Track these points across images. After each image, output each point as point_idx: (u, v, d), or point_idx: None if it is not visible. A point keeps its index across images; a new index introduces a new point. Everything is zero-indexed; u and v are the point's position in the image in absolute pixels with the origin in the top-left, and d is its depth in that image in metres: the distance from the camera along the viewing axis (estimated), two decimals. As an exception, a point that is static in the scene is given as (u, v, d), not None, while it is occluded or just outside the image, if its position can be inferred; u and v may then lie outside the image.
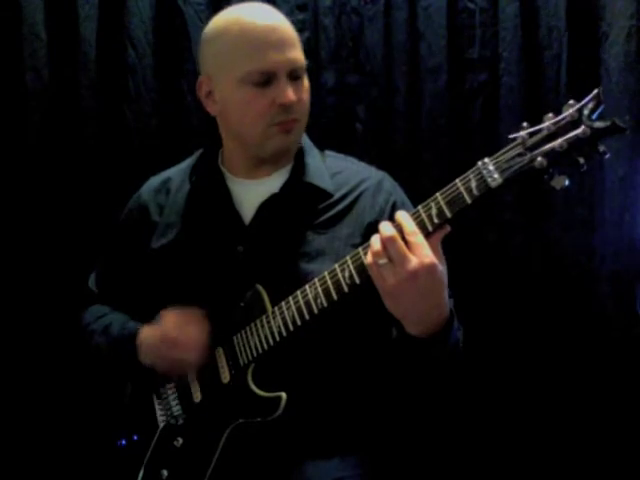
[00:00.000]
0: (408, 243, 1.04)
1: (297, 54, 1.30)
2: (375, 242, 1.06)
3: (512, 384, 1.93)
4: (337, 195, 1.37)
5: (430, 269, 1.03)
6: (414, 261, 1.02)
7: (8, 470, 1.97)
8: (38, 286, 1.99)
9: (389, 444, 1.48)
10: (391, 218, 1.34)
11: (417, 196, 1.44)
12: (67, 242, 1.98)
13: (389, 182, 1.43)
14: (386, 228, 1.06)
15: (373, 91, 2.00)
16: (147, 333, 1.37)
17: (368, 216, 1.35)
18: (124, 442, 1.43)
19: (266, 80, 1.27)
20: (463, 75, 1.97)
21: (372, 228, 1.31)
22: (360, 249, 1.14)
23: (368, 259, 1.07)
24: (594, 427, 1.90)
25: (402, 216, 1.07)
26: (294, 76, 1.30)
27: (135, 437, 1.42)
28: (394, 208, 1.36)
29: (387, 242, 1.04)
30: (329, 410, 1.33)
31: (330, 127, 1.95)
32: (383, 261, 1.04)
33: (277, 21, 1.30)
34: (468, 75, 1.97)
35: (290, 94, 1.27)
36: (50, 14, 1.97)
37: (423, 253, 1.03)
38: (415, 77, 1.98)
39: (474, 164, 1.07)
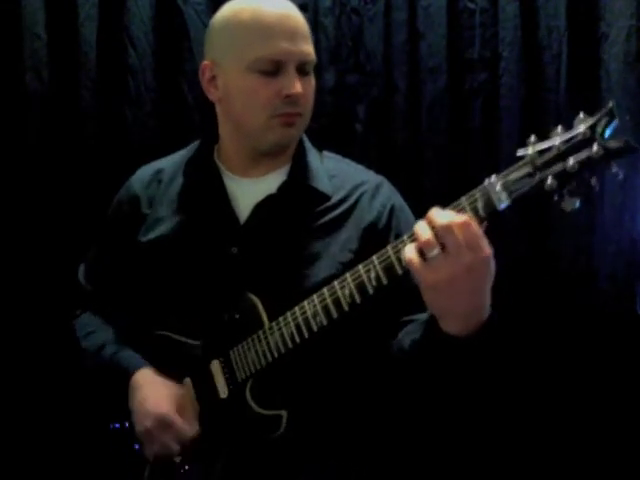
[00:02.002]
0: (462, 233, 0.95)
1: (309, 48, 1.27)
2: (424, 232, 0.97)
3: (512, 384, 1.93)
4: (335, 198, 1.33)
5: (486, 261, 0.97)
6: (471, 253, 0.95)
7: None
8: (38, 283, 1.98)
9: (388, 456, 1.47)
10: (389, 223, 1.32)
11: (417, 196, 1.45)
12: (67, 242, 1.98)
13: (387, 186, 1.39)
14: (440, 216, 0.97)
15: (373, 91, 2.00)
16: (143, 386, 1.31)
17: (365, 220, 1.32)
18: (117, 425, 1.39)
19: (274, 69, 1.23)
20: (463, 75, 1.98)
21: (368, 232, 1.30)
22: (360, 266, 1.11)
23: (411, 252, 0.99)
24: (594, 427, 1.90)
25: (448, 209, 1.00)
26: (303, 71, 1.26)
27: (127, 424, 1.37)
28: (392, 213, 1.34)
29: (444, 230, 0.95)
30: (329, 423, 1.31)
31: (330, 127, 1.95)
32: (435, 252, 0.96)
33: (292, 12, 1.27)
34: (468, 75, 1.98)
35: (297, 86, 1.23)
36: (50, 14, 1.97)
37: (479, 244, 0.95)
38: (415, 77, 1.98)
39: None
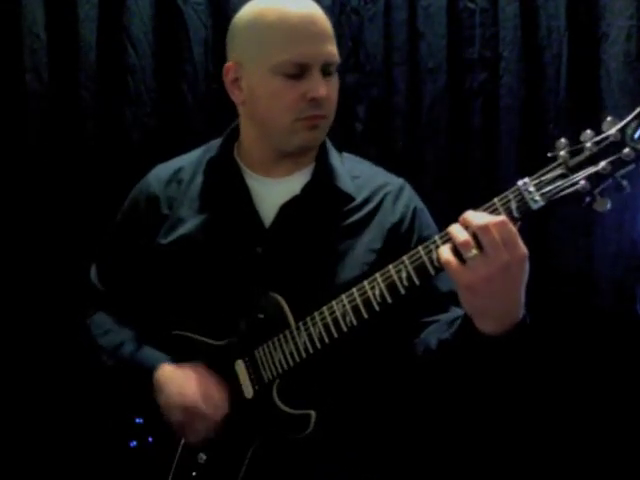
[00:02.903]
0: (499, 233, 0.97)
1: (333, 49, 1.26)
2: (460, 233, 1.00)
3: (512, 385, 1.92)
4: (359, 199, 1.34)
5: (522, 260, 0.98)
6: (508, 252, 0.97)
7: (15, 470, 1.97)
8: (39, 283, 1.98)
9: (416, 459, 1.46)
10: (411, 225, 1.33)
11: (418, 196, 1.45)
12: (67, 242, 1.98)
13: (409, 189, 1.41)
14: (476, 217, 0.99)
15: (373, 91, 2.00)
16: (167, 382, 1.30)
17: (389, 221, 1.33)
18: (135, 443, 1.39)
19: (299, 72, 1.23)
20: (463, 75, 1.97)
21: (392, 233, 1.32)
22: (391, 266, 1.11)
23: (447, 253, 1.01)
24: (594, 427, 1.90)
25: (482, 211, 1.02)
26: (327, 72, 1.25)
27: (150, 439, 1.38)
28: (415, 215, 1.35)
29: (481, 231, 0.97)
30: (356, 424, 1.32)
31: (330, 127, 1.95)
32: (473, 252, 0.98)
33: (317, 12, 1.26)
34: (468, 75, 1.97)
35: (322, 89, 1.23)
36: (50, 14, 1.97)
37: (516, 243, 0.98)
38: (415, 77, 1.98)
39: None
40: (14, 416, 1.98)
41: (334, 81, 1.29)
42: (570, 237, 1.92)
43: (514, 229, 0.98)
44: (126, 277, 1.47)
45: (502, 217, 0.98)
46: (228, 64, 1.31)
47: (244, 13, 1.30)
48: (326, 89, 1.24)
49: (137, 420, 1.40)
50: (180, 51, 2.00)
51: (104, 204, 1.92)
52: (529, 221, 1.91)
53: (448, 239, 1.03)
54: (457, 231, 1.00)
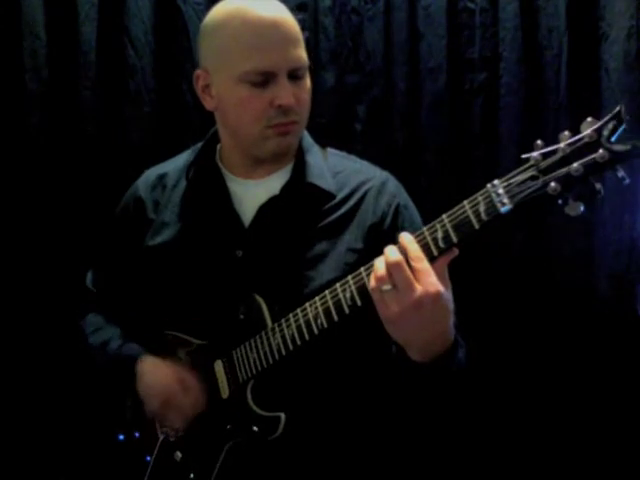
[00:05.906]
0: (413, 269, 0.98)
1: (299, 53, 1.23)
2: (379, 266, 1.01)
3: (513, 386, 1.93)
4: (339, 196, 1.32)
5: (435, 298, 0.98)
6: (419, 290, 0.97)
7: (8, 463, 1.98)
8: (40, 284, 1.99)
9: (388, 463, 1.46)
10: (394, 221, 1.31)
11: (417, 196, 1.45)
12: (67, 242, 1.98)
13: (393, 183, 1.38)
14: (392, 253, 1.00)
15: (373, 91, 2.00)
16: (148, 372, 1.33)
17: (370, 219, 1.30)
18: (122, 437, 1.42)
19: (265, 80, 1.20)
20: (463, 75, 1.98)
21: (373, 231, 1.30)
22: (362, 269, 1.10)
23: (371, 283, 1.02)
24: (595, 427, 1.90)
25: (406, 239, 1.01)
26: (295, 76, 1.22)
27: (137, 434, 1.40)
28: (397, 211, 1.33)
29: (393, 268, 0.99)
30: (329, 427, 1.31)
31: (330, 127, 1.95)
32: (387, 287, 0.99)
33: (281, 16, 1.22)
34: (468, 75, 1.98)
35: (289, 96, 1.20)
36: (50, 14, 1.97)
37: (428, 281, 0.98)
38: (415, 77, 1.98)
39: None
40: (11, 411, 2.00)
41: (304, 84, 1.26)
42: (570, 237, 1.92)
43: (427, 265, 0.99)
44: (116, 278, 1.49)
45: (417, 253, 0.99)
46: (197, 72, 1.30)
47: (209, 19, 1.28)
48: (294, 95, 1.22)
49: (120, 437, 1.44)
50: (180, 51, 2.01)
51: (104, 204, 1.92)
52: (528, 220, 1.92)
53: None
54: (378, 263, 1.02)
